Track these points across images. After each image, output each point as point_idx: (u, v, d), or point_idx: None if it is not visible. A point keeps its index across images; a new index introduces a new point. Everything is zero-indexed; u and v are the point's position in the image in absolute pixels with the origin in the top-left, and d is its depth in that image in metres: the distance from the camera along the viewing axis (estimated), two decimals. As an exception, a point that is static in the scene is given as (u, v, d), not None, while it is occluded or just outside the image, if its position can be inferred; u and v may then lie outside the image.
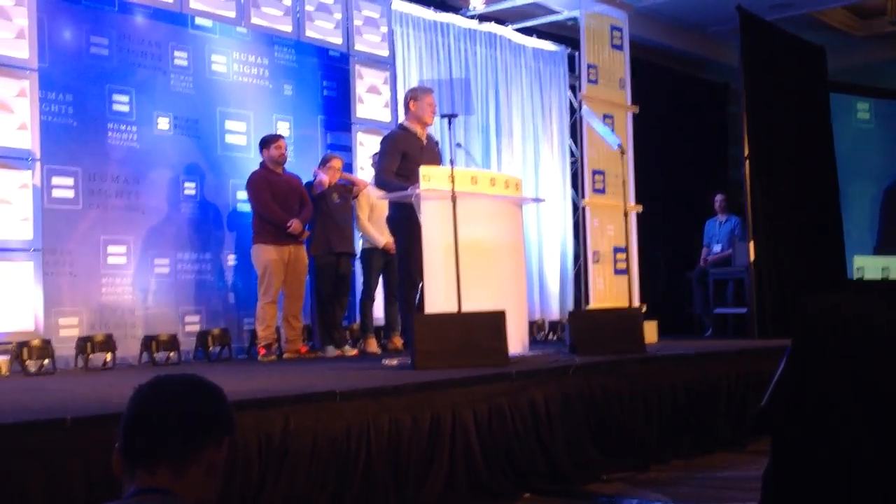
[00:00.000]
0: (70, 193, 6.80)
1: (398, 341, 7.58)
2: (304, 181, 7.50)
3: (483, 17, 9.93)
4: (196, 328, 7.39)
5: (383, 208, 7.32)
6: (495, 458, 4.36)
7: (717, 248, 10.25)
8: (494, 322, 5.27)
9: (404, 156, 6.21)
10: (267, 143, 7.23)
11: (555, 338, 9.80)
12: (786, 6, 10.87)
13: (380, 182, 6.37)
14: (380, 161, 6.37)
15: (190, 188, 7.51)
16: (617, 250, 9.08)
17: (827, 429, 1.79)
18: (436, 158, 6.39)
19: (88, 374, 6.17)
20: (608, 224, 9.13)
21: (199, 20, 7.59)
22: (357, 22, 8.55)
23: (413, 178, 5.78)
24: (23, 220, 6.27)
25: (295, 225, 7.05)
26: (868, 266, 11.50)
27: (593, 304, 8.84)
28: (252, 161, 7.54)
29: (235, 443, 3.36)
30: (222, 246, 7.70)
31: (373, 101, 8.62)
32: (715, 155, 12.94)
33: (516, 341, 5.71)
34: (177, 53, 7.48)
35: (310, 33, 8.17)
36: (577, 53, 9.96)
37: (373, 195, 7.56)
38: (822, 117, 10.27)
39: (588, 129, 9.05)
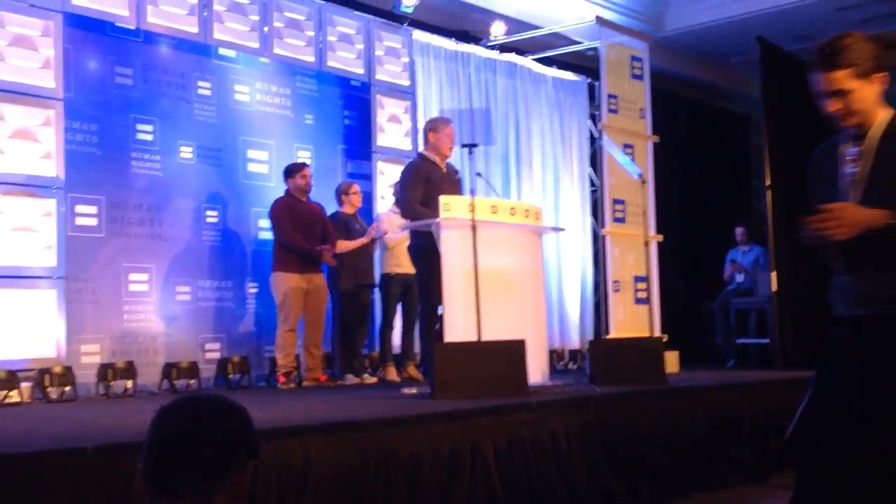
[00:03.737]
0: (93, 221, 6.85)
1: (413, 371, 7.56)
2: (329, 212, 7.52)
3: (504, 48, 9.98)
4: (216, 355, 7.41)
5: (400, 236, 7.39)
6: (515, 488, 4.33)
7: (739, 277, 10.18)
8: (514, 351, 5.25)
9: (427, 182, 6.20)
10: (292, 171, 7.26)
11: (575, 367, 9.75)
12: (806, 37, 10.85)
13: (408, 213, 6.31)
14: (405, 191, 6.36)
15: (212, 216, 7.55)
16: (637, 279, 9.05)
17: (851, 462, 1.77)
18: (455, 187, 6.40)
19: (109, 402, 6.19)
20: (628, 253, 9.10)
21: (222, 50, 7.67)
22: (378, 52, 8.61)
23: (434, 206, 5.78)
24: (46, 247, 6.32)
25: (327, 255, 7.08)
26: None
27: (614, 333, 8.79)
28: (274, 189, 7.59)
29: (256, 469, 3.35)
30: (244, 274, 7.74)
31: (393, 130, 8.66)
32: (737, 185, 12.90)
33: (536, 370, 5.69)
34: (200, 83, 7.56)
35: (331, 63, 8.23)
36: (597, 83, 9.98)
37: (386, 224, 7.59)
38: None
39: (608, 159, 9.05)
